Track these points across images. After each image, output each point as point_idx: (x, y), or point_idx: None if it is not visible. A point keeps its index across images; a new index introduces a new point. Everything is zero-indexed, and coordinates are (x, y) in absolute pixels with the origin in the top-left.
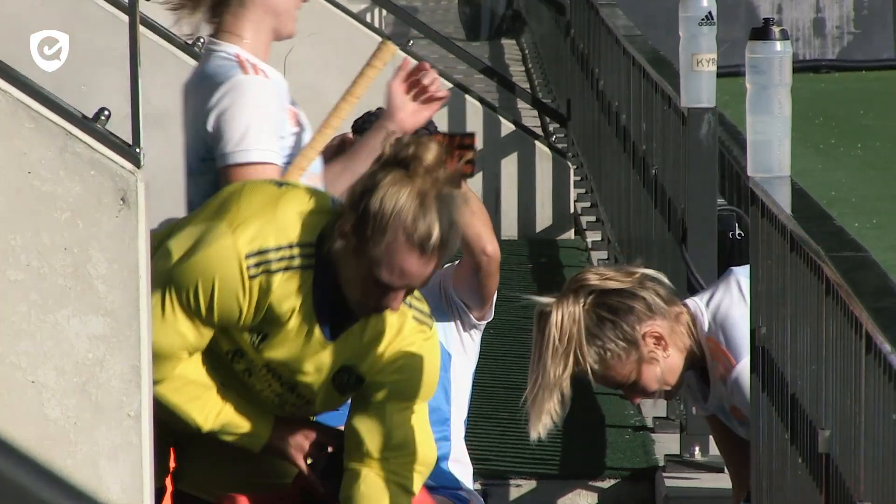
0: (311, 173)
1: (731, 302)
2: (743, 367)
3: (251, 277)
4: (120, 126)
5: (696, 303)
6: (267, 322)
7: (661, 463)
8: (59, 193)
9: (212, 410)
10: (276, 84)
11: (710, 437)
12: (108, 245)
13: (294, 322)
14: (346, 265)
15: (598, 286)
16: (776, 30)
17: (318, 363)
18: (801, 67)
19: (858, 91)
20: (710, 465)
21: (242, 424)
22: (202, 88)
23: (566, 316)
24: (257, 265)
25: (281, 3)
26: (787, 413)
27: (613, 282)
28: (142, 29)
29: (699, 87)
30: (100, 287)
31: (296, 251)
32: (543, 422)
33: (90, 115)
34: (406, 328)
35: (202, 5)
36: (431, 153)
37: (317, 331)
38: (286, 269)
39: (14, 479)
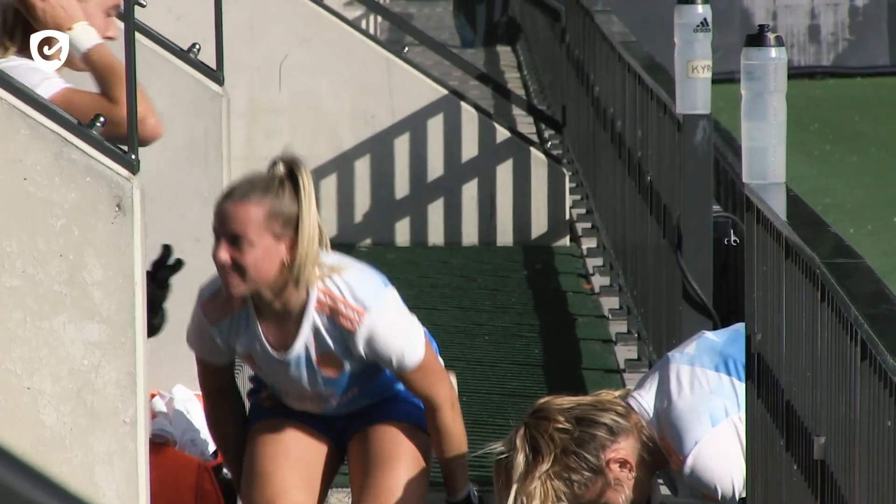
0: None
1: (668, 400)
2: (692, 459)
3: None
4: None
5: (640, 403)
6: None
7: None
8: (55, 200)
9: None
10: None
11: None
12: (104, 251)
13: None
14: None
15: (557, 422)
16: (771, 36)
17: None
18: (796, 74)
19: (853, 98)
20: None
21: None
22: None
23: (531, 463)
24: None
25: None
26: (782, 420)
27: (573, 411)
28: (137, 36)
29: (694, 93)
30: (95, 294)
31: None
32: None
33: (85, 122)
34: None
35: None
36: None
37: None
38: None
39: (9, 486)
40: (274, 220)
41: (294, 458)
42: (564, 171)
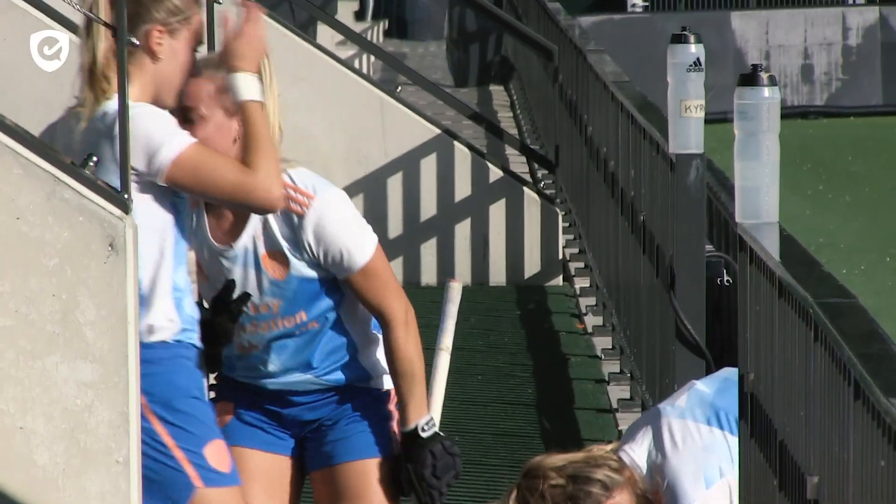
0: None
1: (662, 455)
2: None
3: None
4: None
5: (631, 457)
6: None
7: None
8: (48, 239)
9: None
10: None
11: None
12: (97, 291)
13: None
14: None
15: (550, 478)
16: (764, 76)
17: None
18: (790, 113)
19: (847, 137)
20: None
21: None
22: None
23: None
24: None
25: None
26: (775, 459)
27: (566, 469)
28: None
29: (687, 132)
30: (88, 333)
31: None
32: None
33: (78, 162)
34: None
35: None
36: None
37: None
38: None
39: None
40: (226, 95)
41: (263, 491)
42: (557, 210)
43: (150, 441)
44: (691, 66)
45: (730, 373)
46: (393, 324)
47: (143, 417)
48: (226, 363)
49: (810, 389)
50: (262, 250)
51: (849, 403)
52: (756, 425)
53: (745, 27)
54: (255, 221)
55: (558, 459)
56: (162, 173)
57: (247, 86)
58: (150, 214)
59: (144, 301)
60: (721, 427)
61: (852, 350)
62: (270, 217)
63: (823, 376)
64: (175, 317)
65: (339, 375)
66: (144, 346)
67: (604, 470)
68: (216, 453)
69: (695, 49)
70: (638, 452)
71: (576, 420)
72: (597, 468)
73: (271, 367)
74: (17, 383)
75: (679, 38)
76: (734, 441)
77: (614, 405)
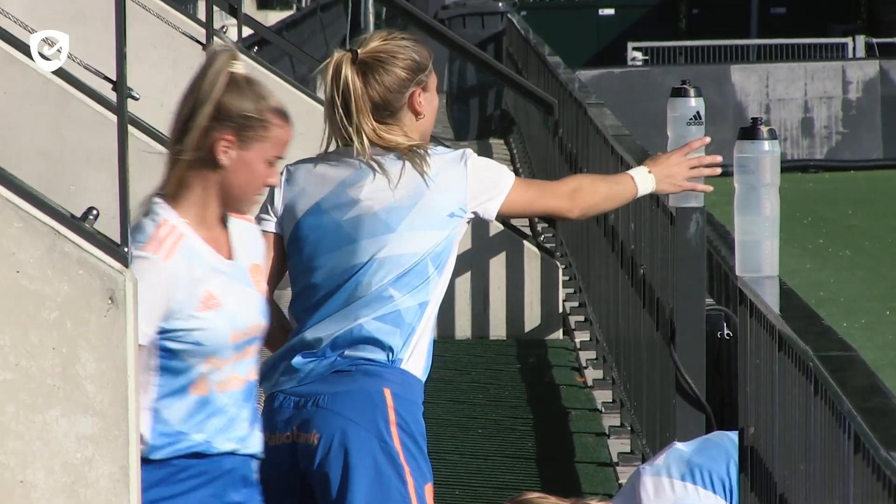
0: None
1: None
2: None
3: None
4: (108, 225)
5: None
6: None
7: None
8: (48, 293)
9: None
10: (186, 263)
11: None
12: (97, 345)
13: None
14: None
15: None
16: (764, 129)
17: None
18: (790, 167)
19: (847, 191)
20: None
21: None
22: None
23: None
24: None
25: (236, 180)
26: None
27: None
28: (130, 129)
29: None
30: (88, 387)
31: None
32: None
33: (78, 215)
34: None
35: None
36: None
37: None
38: None
39: None
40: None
41: None
42: (557, 263)
43: (388, 459)
44: (691, 119)
45: (714, 435)
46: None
47: (388, 433)
48: None
49: (810, 443)
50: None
51: (849, 457)
52: (756, 479)
53: (746, 81)
54: (235, 231)
55: (551, 501)
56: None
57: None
58: None
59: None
60: (695, 482)
61: (852, 404)
62: (238, 227)
63: (823, 430)
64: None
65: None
66: (401, 372)
67: None
68: (430, 495)
69: (695, 103)
70: None
71: (576, 473)
72: None
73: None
74: (18, 437)
75: (679, 92)
76: (707, 495)
77: (615, 459)
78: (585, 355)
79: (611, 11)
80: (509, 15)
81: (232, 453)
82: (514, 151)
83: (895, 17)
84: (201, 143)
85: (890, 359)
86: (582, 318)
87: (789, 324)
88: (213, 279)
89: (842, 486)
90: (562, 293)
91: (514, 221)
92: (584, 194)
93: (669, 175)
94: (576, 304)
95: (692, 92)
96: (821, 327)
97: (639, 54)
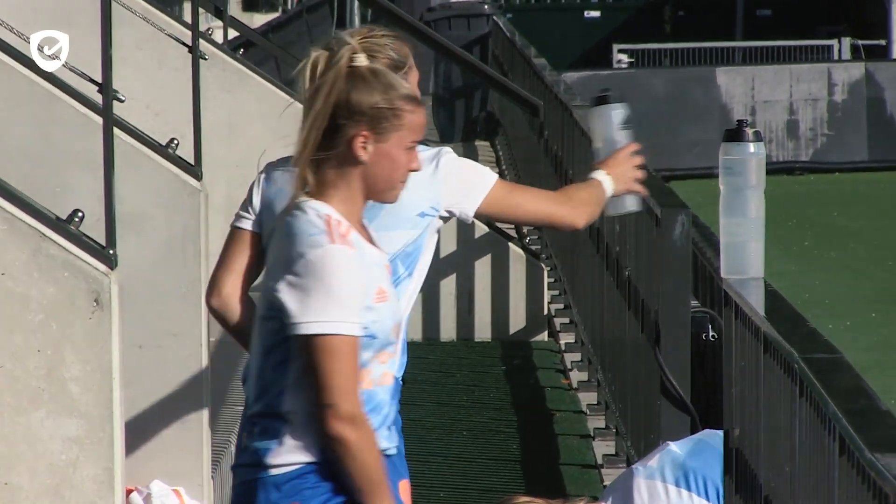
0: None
1: None
2: None
3: None
4: (93, 228)
5: None
6: None
7: None
8: (33, 295)
9: None
10: (362, 254)
11: None
12: (82, 347)
13: None
14: None
15: None
16: (749, 131)
17: None
18: (775, 169)
19: (832, 193)
20: None
21: None
22: (284, 245)
23: None
24: None
25: (379, 172)
26: None
27: None
28: (116, 131)
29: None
30: (73, 389)
31: None
32: None
33: (64, 217)
34: None
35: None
36: None
37: None
38: None
39: None
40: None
41: None
42: (543, 266)
43: None
44: (621, 125)
45: (706, 434)
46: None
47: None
48: None
49: (795, 445)
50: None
51: (834, 458)
52: (741, 480)
53: (731, 83)
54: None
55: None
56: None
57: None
58: None
59: None
60: (689, 489)
61: (837, 405)
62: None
63: (808, 432)
64: None
65: None
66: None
67: None
68: (405, 492)
69: (620, 109)
70: None
71: (561, 475)
72: None
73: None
74: (2, 439)
75: (603, 100)
76: (700, 502)
77: (599, 461)
78: (570, 357)
79: (597, 14)
80: (495, 17)
81: (383, 452)
82: (500, 153)
83: (881, 18)
84: (338, 142)
85: (875, 360)
86: (567, 320)
87: (774, 326)
88: (378, 272)
89: (827, 487)
90: (547, 295)
91: (500, 223)
92: (578, 202)
93: (621, 175)
94: (561, 305)
95: (615, 98)
96: (806, 329)
97: (624, 56)
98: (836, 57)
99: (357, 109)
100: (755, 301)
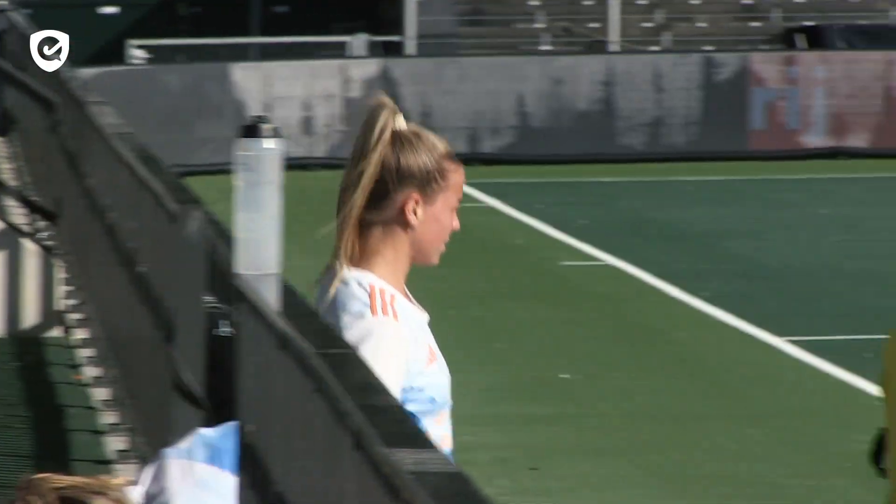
0: None
1: (162, 491)
2: None
3: None
4: None
5: (136, 492)
6: None
7: None
8: None
9: None
10: (407, 321)
11: None
12: None
13: None
14: None
15: (44, 498)
16: (266, 127)
17: None
18: (291, 165)
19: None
20: None
21: None
22: (331, 318)
23: None
24: None
25: (427, 235)
26: None
27: (66, 491)
28: None
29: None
30: None
31: None
32: None
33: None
34: None
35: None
36: None
37: None
38: None
39: None
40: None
41: None
42: (56, 262)
43: None
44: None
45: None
46: None
47: None
48: None
49: (311, 440)
50: None
51: (349, 453)
52: (255, 476)
53: (247, 79)
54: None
55: (65, 480)
56: None
57: None
58: None
59: None
60: (221, 466)
61: (353, 400)
62: None
63: (324, 427)
64: None
65: None
66: None
67: (102, 499)
68: None
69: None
70: (139, 489)
71: (74, 472)
72: (95, 495)
73: None
74: None
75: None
76: (227, 476)
77: (112, 457)
78: (86, 353)
79: (113, 10)
80: (10, 13)
81: None
82: (17, 150)
83: (397, 15)
84: (386, 206)
85: None
86: (83, 316)
87: (290, 322)
88: (425, 334)
89: (339, 481)
90: (61, 291)
91: (18, 220)
92: None
93: None
94: (78, 301)
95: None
96: (321, 325)
97: (141, 52)
98: (352, 53)
99: (408, 173)
100: (271, 297)
